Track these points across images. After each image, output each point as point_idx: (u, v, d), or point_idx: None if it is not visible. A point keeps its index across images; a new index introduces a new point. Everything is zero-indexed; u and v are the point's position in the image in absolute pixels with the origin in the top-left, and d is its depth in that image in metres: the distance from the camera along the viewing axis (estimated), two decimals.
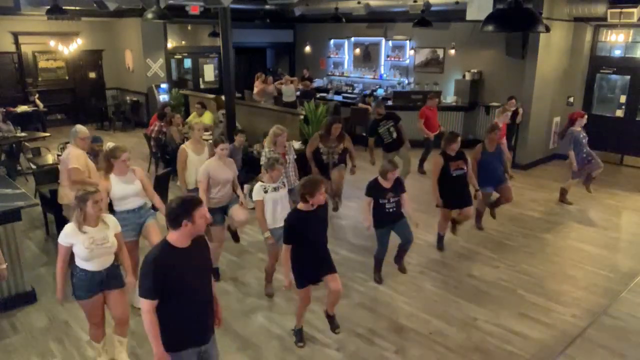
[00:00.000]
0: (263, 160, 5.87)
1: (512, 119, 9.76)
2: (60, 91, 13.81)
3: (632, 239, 6.77)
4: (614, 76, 10.39)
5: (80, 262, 3.62)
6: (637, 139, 10.00)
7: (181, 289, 2.82)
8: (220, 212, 5.26)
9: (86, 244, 3.54)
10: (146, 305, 2.79)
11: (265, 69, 16.42)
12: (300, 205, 3.98)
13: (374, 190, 5.11)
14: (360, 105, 11.64)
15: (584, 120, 7.57)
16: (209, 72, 15.35)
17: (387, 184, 5.06)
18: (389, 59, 13.84)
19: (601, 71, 10.44)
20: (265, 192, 4.79)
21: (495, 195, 6.76)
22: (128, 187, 4.64)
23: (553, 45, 9.75)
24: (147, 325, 2.83)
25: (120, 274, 3.83)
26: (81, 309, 3.86)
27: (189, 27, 14.73)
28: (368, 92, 13.22)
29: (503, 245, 6.46)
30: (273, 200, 4.81)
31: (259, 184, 4.86)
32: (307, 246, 4.02)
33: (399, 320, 4.79)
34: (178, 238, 2.83)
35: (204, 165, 5.21)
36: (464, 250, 6.30)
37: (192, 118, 10.12)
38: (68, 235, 3.58)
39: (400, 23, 13.03)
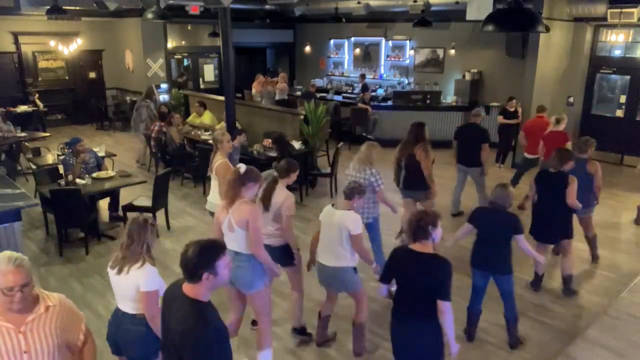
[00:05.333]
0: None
1: (512, 118, 9.78)
2: (60, 91, 13.81)
3: (632, 239, 6.77)
4: (614, 76, 10.40)
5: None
6: (637, 139, 10.00)
7: None
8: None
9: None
10: None
11: (265, 69, 16.44)
12: (415, 246, 3.11)
13: None
14: (360, 105, 11.63)
15: None
16: (209, 72, 15.37)
17: None
18: (389, 59, 13.86)
19: (601, 71, 10.45)
20: None
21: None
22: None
23: (553, 45, 9.75)
24: None
25: None
26: None
27: (189, 27, 14.74)
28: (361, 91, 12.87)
29: None
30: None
31: (329, 205, 4.18)
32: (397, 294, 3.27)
33: None
34: (197, 292, 2.28)
35: (291, 196, 4.18)
36: (463, 250, 6.29)
37: (192, 118, 10.12)
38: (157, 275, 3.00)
39: (400, 23, 13.05)
